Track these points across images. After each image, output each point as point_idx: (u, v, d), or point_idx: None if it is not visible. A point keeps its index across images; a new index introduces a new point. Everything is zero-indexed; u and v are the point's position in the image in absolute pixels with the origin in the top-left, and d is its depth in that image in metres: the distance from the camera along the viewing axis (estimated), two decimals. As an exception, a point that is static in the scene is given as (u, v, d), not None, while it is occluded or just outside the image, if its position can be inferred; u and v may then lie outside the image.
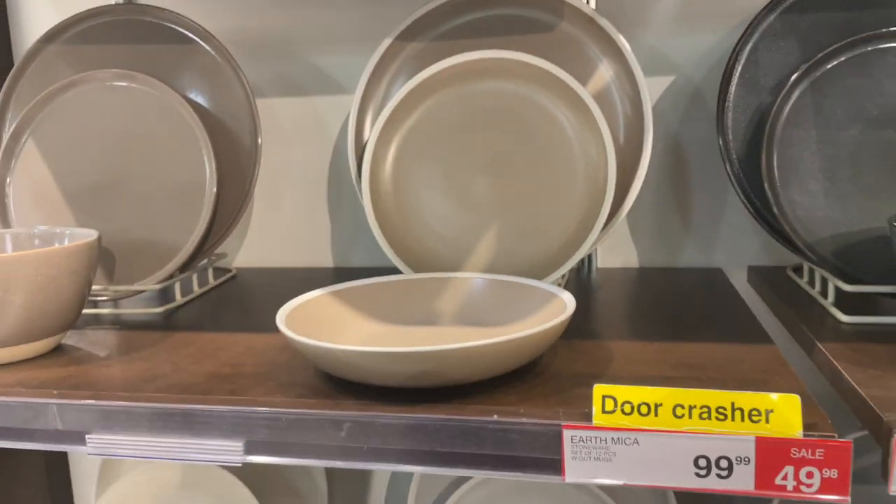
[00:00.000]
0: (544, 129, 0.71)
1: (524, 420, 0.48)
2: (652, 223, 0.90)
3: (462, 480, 0.88)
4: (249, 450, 0.51)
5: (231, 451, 0.51)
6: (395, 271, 0.72)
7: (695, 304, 0.72)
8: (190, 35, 0.81)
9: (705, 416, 0.45)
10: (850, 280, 0.65)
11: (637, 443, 0.46)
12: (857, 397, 0.49)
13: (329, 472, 0.99)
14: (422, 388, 0.52)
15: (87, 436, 0.53)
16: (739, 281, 0.87)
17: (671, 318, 0.68)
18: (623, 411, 0.46)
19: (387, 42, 0.80)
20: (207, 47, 0.81)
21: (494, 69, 0.72)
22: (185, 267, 0.77)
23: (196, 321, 0.73)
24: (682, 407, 0.45)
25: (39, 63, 0.82)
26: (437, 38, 0.80)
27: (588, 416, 0.47)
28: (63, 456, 1.07)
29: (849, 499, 0.43)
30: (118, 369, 0.60)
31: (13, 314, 0.60)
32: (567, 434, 0.47)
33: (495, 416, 0.48)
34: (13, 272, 0.58)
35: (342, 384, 0.55)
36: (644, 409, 0.46)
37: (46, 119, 0.78)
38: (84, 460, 1.09)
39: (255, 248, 0.99)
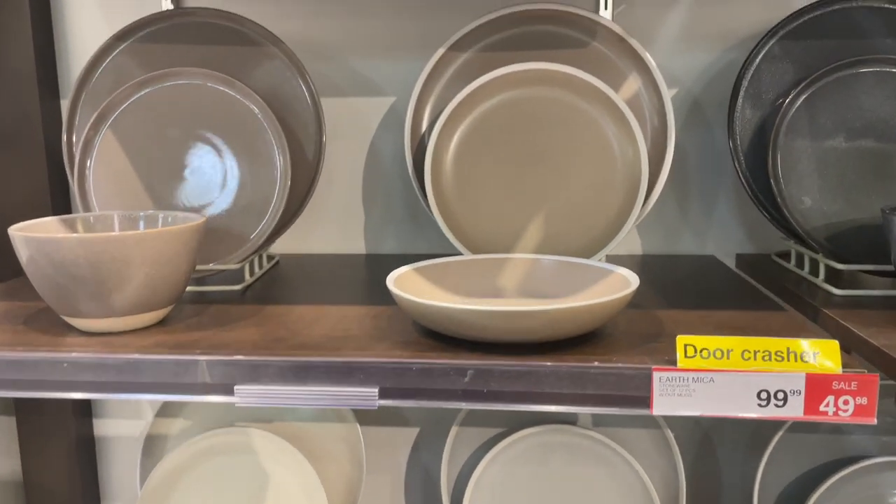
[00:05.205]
0: (586, 131, 0.83)
1: (619, 365, 0.59)
2: (653, 215, 1.02)
3: (490, 445, 0.98)
4: (383, 395, 0.60)
5: (367, 396, 0.60)
6: (427, 257, 0.81)
7: (707, 283, 0.85)
8: (259, 38, 0.89)
9: (766, 358, 0.57)
10: (839, 261, 0.79)
11: (713, 381, 0.57)
12: (870, 346, 0.62)
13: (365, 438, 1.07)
14: (517, 343, 0.62)
15: (235, 387, 0.61)
16: (730, 265, 1.01)
17: (694, 295, 0.80)
18: (702, 356, 0.58)
19: (441, 51, 0.89)
20: (276, 50, 0.89)
21: (543, 78, 0.83)
22: (257, 251, 0.84)
23: (275, 297, 0.80)
24: (749, 351, 0.57)
25: (112, 59, 0.88)
26: (483, 49, 0.91)
27: (671, 362, 0.59)
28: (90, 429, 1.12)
29: (875, 420, 0.56)
30: (239, 334, 0.67)
31: (139, 284, 0.66)
32: (656, 375, 0.58)
33: (595, 363, 0.59)
34: (147, 247, 0.65)
35: (448, 341, 0.64)
36: (718, 354, 0.58)
37: (126, 111, 0.83)
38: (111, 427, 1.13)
39: (292, 236, 1.06)
